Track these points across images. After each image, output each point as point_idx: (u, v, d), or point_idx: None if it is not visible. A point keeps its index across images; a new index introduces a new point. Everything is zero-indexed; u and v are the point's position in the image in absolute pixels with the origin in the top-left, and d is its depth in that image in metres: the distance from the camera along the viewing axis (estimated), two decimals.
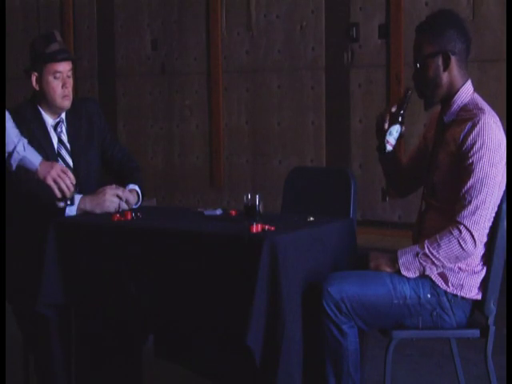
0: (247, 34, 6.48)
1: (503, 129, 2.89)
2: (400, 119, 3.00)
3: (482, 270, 2.93)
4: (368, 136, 5.81)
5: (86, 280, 3.14)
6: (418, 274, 2.87)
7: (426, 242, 2.85)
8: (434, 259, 2.83)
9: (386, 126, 3.00)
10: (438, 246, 2.82)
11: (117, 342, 3.24)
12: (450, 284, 2.89)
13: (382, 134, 3.04)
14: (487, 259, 2.92)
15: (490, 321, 2.93)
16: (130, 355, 3.34)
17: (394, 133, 3.01)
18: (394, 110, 3.02)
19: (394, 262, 2.89)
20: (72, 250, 3.16)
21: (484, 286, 2.93)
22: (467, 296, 2.91)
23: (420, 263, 2.85)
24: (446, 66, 2.93)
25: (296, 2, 6.22)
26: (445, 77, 2.95)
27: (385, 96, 5.78)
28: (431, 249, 2.83)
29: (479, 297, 2.93)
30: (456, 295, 2.90)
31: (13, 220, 3.41)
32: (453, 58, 2.93)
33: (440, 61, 2.93)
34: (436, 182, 2.98)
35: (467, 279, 2.90)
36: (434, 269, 2.86)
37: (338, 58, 6.00)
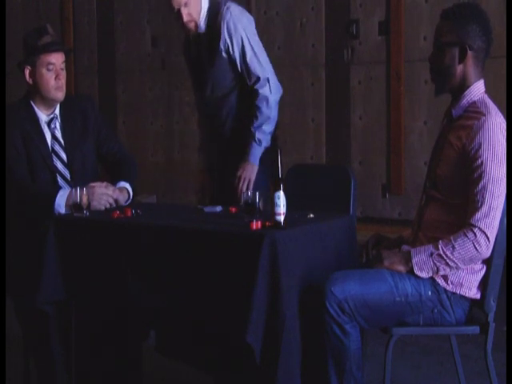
0: None
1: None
2: (281, 185, 2.87)
3: (481, 269, 2.93)
4: (368, 133, 5.80)
5: (86, 277, 3.14)
6: (431, 274, 2.86)
7: (441, 243, 2.83)
8: (448, 260, 2.82)
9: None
10: (453, 247, 2.81)
11: (117, 339, 3.24)
12: (449, 282, 2.89)
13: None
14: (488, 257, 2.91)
15: (490, 317, 2.93)
16: (130, 352, 3.34)
17: (277, 201, 2.86)
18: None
19: (407, 260, 2.88)
20: (72, 246, 3.16)
21: (484, 283, 2.93)
22: (466, 295, 2.90)
23: (434, 263, 2.84)
24: (462, 58, 2.92)
25: None
26: (459, 69, 2.93)
27: (385, 93, 5.76)
28: (445, 250, 2.82)
29: (478, 296, 2.93)
30: (455, 293, 2.89)
31: (12, 218, 3.41)
32: (470, 53, 2.92)
33: (457, 52, 2.92)
34: (439, 174, 2.96)
35: (466, 278, 2.90)
36: (448, 270, 2.85)
37: (338, 54, 5.99)
